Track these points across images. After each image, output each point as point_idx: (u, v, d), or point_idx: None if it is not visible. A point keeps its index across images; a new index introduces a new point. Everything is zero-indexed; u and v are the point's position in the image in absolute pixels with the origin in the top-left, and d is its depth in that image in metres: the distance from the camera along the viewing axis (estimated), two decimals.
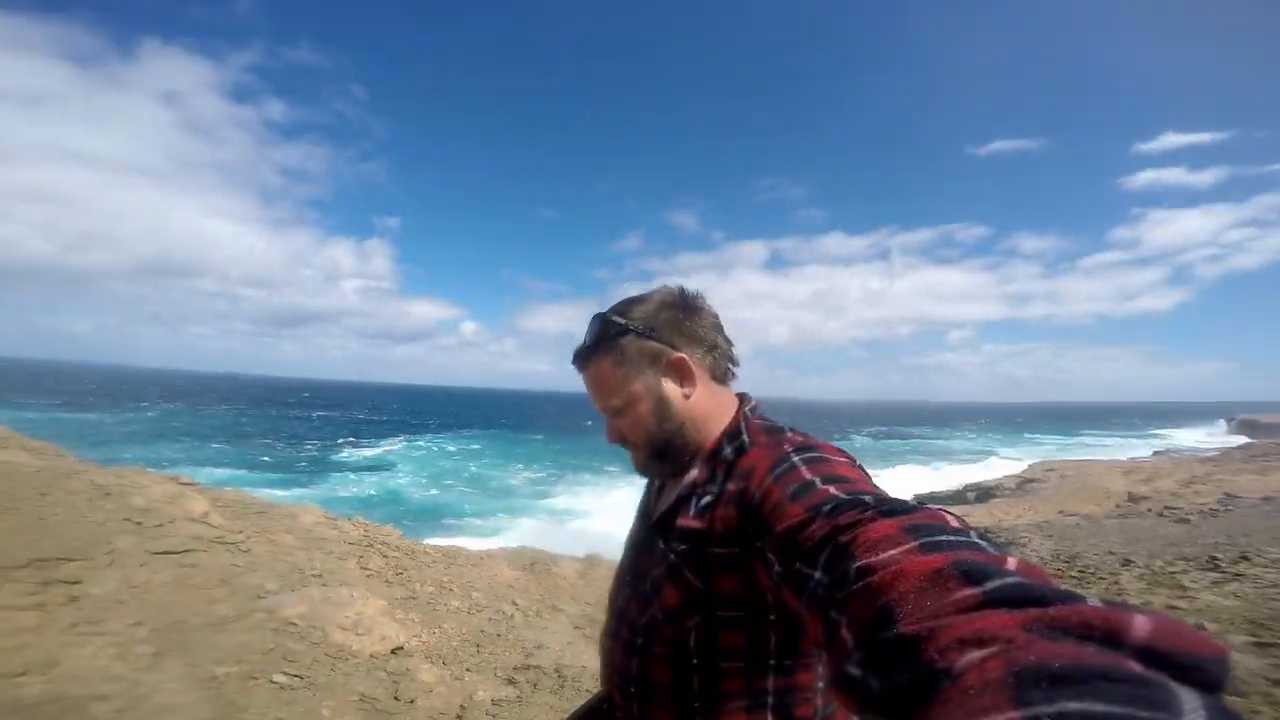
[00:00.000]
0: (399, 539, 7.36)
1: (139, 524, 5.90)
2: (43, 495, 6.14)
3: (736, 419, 0.85)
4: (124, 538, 5.55)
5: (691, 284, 0.91)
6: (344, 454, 36.59)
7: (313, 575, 5.63)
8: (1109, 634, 0.25)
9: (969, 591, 0.32)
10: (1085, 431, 68.13)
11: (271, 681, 3.33)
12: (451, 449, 42.62)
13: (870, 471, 0.70)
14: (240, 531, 6.33)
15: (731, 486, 0.74)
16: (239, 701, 3.09)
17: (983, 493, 22.21)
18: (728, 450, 0.81)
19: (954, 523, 0.44)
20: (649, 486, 1.00)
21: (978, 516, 14.61)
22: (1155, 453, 34.96)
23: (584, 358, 0.90)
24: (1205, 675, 0.24)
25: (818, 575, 0.47)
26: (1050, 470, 24.82)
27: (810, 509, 0.55)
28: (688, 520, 0.78)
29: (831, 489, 0.57)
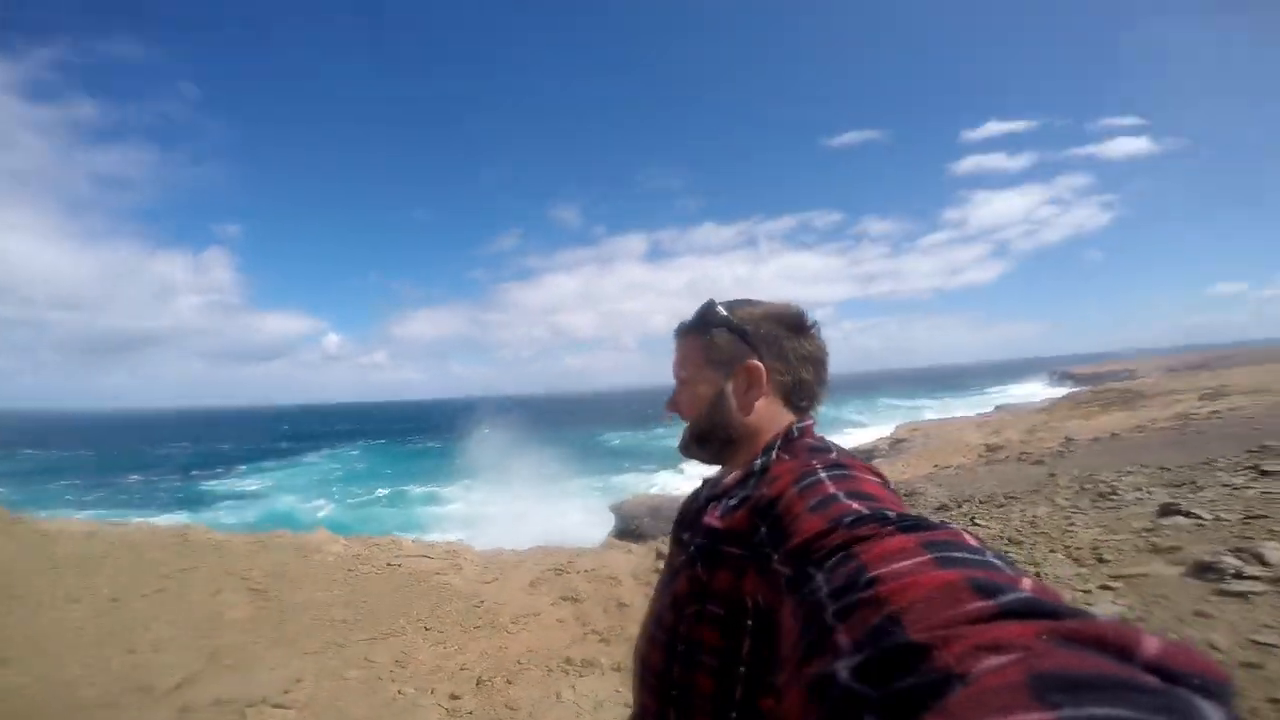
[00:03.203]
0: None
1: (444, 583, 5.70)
2: (351, 572, 5.97)
3: (782, 432, 0.87)
4: (494, 586, 5.53)
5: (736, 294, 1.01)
6: (213, 483, 33.41)
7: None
8: (1121, 649, 0.27)
9: (982, 604, 0.33)
10: (934, 394, 75.57)
11: None
12: (332, 466, 40.17)
13: None
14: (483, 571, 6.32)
15: (757, 493, 0.75)
16: None
17: (863, 455, 24.29)
18: (763, 460, 0.83)
19: (972, 541, 0.44)
20: (693, 495, 1.03)
21: None
22: (997, 407, 39.60)
23: (681, 331, 0.99)
24: (1210, 696, 0.25)
25: (819, 579, 0.47)
26: (914, 430, 27.40)
27: (831, 520, 0.55)
28: (712, 518, 0.81)
29: (855, 504, 0.58)
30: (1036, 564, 3.88)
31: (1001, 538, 4.79)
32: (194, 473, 38.32)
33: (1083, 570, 3.66)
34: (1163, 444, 9.44)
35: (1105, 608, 3.14)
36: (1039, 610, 0.30)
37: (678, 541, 0.93)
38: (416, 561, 6.26)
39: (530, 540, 9.14)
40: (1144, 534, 4.17)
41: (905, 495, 11.11)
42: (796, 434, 0.86)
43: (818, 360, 0.93)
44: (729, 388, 0.89)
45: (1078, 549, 4.07)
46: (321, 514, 24.11)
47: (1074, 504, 5.76)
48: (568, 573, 5.93)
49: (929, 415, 39.73)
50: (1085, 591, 3.38)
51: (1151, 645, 0.27)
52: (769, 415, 0.89)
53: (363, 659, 4.16)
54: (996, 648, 0.29)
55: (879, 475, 0.71)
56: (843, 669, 0.35)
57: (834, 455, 0.77)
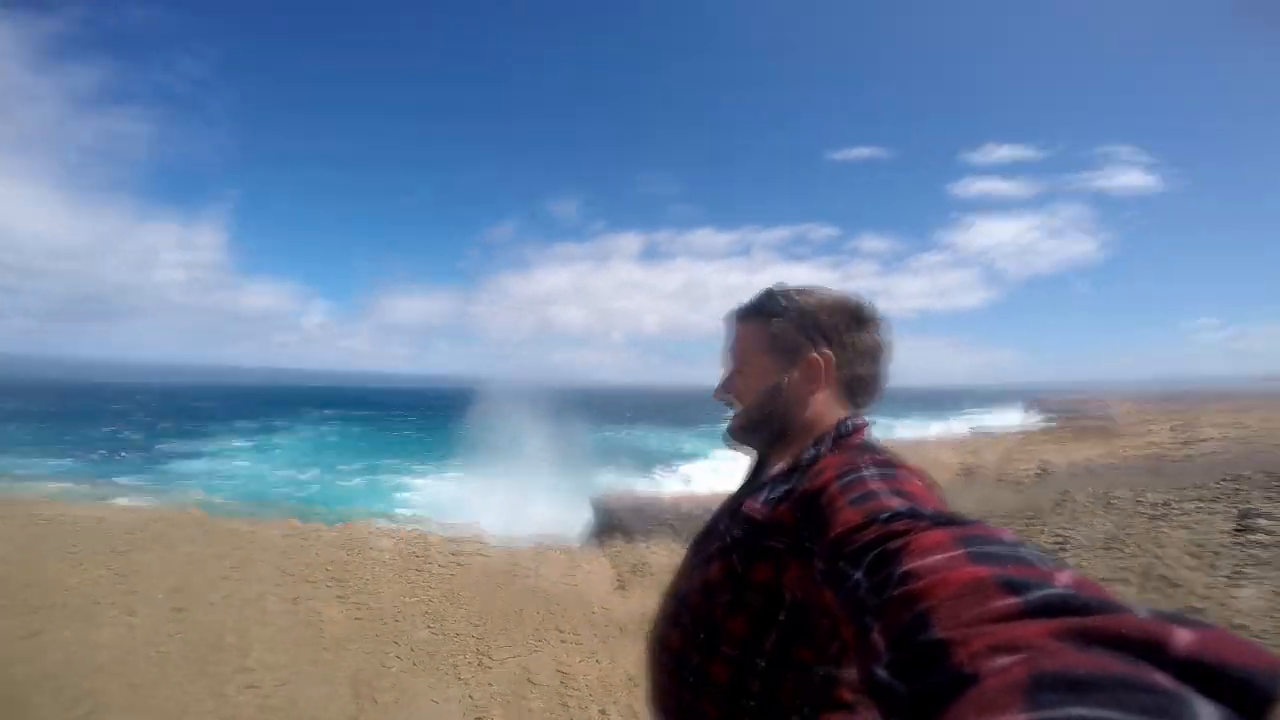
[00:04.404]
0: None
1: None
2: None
3: (834, 427, 0.85)
4: (584, 587, 5.31)
5: (797, 281, 0.94)
6: (186, 448, 32.40)
7: None
8: (1147, 645, 0.26)
9: (1009, 601, 0.33)
10: (909, 413, 76.43)
11: None
12: (309, 439, 39.31)
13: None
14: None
15: (801, 486, 0.74)
16: None
17: None
18: (811, 453, 0.82)
19: (1009, 537, 0.43)
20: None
21: None
22: (972, 429, 39.76)
23: (738, 316, 0.96)
24: (1253, 688, 0.24)
25: (858, 576, 0.48)
26: (889, 445, 27.55)
27: (868, 515, 0.55)
28: (753, 507, 0.80)
29: (894, 501, 0.57)
30: (1158, 557, 3.81)
31: (1100, 535, 4.68)
32: (164, 440, 36.96)
33: (1211, 564, 3.63)
34: (1139, 472, 9.56)
35: (1260, 588, 3.10)
36: (1066, 606, 0.31)
37: (711, 529, 0.91)
38: (480, 560, 5.84)
39: (504, 528, 8.89)
40: (1240, 534, 4.12)
41: None
42: (848, 430, 0.85)
43: (878, 355, 0.91)
44: (787, 378, 0.88)
45: (1184, 546, 4.02)
46: (301, 489, 23.47)
47: (1145, 513, 5.68)
48: (643, 574, 5.67)
49: (902, 433, 39.77)
50: (1228, 577, 3.34)
51: (1184, 638, 0.25)
52: (824, 409, 0.88)
53: (525, 679, 3.69)
54: (1010, 648, 0.28)
55: (924, 477, 0.69)
56: (880, 669, 0.36)
57: (882, 454, 0.76)
